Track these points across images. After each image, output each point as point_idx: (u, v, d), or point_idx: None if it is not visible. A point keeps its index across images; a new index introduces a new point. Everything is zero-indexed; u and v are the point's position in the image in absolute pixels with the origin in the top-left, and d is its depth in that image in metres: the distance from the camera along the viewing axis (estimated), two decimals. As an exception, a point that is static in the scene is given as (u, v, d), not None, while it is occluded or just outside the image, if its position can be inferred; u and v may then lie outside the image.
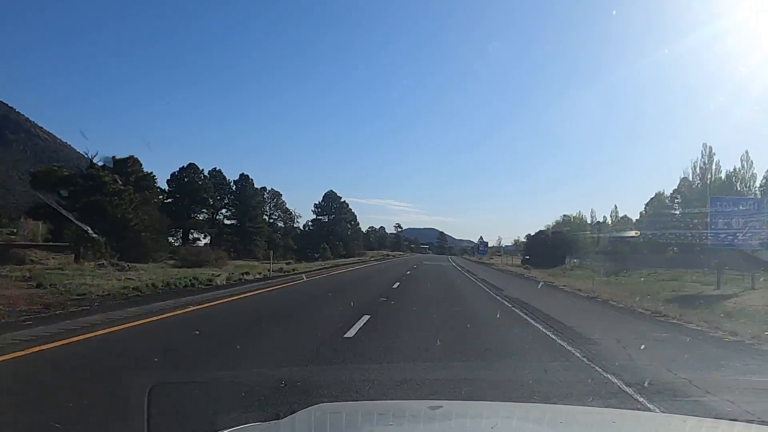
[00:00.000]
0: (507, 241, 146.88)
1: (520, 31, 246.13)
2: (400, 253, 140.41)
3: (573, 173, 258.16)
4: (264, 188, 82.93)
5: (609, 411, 4.01)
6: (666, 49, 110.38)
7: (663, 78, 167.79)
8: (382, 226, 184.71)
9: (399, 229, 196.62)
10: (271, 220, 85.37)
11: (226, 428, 2.11)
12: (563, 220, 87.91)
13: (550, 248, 59.43)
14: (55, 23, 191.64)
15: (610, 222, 72.62)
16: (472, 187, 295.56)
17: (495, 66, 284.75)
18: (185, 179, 66.51)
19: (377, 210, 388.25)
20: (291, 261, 50.68)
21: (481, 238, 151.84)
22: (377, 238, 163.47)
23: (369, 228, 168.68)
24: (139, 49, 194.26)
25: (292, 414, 2.37)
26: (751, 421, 4.57)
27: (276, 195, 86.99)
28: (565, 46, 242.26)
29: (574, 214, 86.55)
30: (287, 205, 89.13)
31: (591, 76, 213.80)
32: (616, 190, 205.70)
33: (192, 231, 66.58)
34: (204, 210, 69.74)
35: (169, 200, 63.87)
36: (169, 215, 53.68)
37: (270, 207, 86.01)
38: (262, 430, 2.25)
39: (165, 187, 63.81)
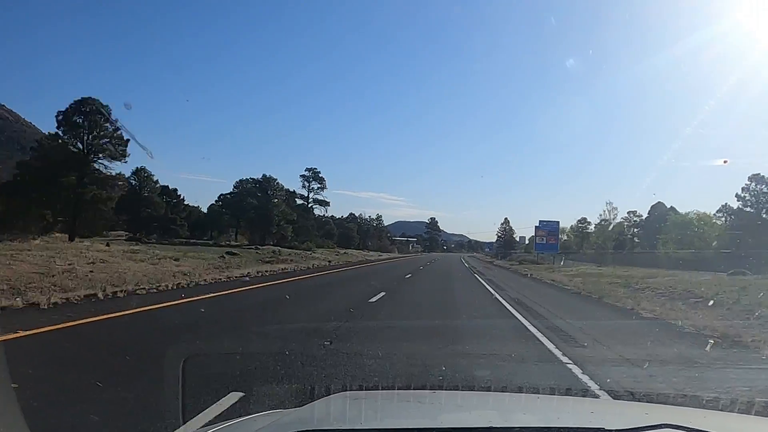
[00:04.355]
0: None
1: (517, 36, 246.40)
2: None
3: (574, 172, 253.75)
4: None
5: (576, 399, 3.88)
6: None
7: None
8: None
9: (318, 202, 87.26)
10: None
11: None
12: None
13: None
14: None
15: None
16: (462, 182, 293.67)
17: (493, 67, 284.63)
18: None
19: (371, 204, 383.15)
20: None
21: (507, 220, 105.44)
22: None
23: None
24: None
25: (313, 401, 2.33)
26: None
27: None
28: (560, 52, 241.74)
29: None
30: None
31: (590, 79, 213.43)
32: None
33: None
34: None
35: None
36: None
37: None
38: (288, 415, 2.24)
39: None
